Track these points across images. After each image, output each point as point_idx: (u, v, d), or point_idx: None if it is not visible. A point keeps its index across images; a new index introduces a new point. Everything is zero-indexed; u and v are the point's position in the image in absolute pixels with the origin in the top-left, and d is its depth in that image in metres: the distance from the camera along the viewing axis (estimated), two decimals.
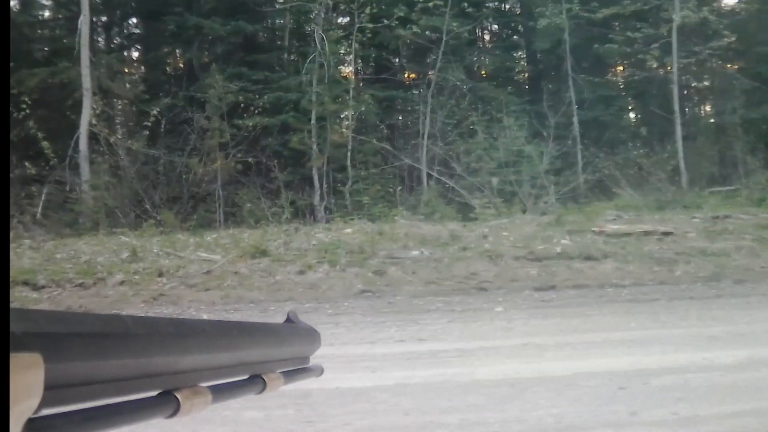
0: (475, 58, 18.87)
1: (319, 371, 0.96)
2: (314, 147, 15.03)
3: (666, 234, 11.15)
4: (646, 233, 11.15)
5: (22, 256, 10.64)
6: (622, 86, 18.70)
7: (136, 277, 9.62)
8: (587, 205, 13.98)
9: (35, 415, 0.41)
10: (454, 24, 16.15)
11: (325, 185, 15.04)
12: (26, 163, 13.47)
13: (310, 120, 15.10)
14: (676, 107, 16.78)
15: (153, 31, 16.98)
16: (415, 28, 15.81)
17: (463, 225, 11.84)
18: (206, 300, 8.48)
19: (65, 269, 9.86)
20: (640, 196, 14.27)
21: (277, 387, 0.78)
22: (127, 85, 14.51)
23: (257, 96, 15.10)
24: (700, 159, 16.97)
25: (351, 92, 15.30)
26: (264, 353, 0.79)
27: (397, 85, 16.88)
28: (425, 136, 15.58)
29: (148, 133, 13.96)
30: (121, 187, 13.52)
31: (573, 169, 15.87)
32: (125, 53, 15.68)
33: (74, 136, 13.82)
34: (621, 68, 19.00)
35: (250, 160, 14.56)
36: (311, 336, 0.94)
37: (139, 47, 16.52)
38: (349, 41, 15.36)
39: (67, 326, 0.44)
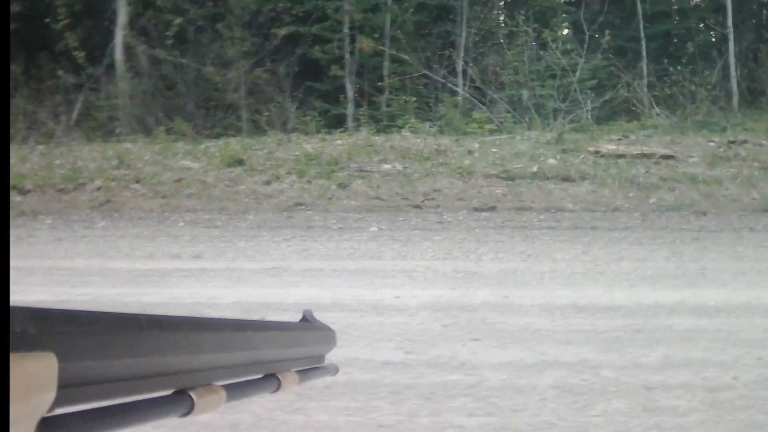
0: None
1: (334, 370, 0.96)
2: (346, 56, 14.86)
3: (665, 157, 10.34)
4: (644, 155, 10.38)
5: (27, 162, 11.22)
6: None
7: (113, 183, 9.99)
8: (614, 123, 13.06)
9: (49, 414, 0.40)
10: None
11: (354, 95, 14.90)
12: (59, 73, 13.96)
13: (342, 29, 14.90)
14: (730, 21, 15.40)
15: None
16: None
17: (455, 140, 11.42)
18: (146, 207, 8.71)
19: (54, 175, 10.34)
20: (674, 116, 13.17)
21: (291, 386, 0.78)
22: None
23: (291, 4, 14.94)
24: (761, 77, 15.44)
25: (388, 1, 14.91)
26: (279, 352, 0.79)
27: None
28: (461, 47, 15.03)
29: (171, 42, 14.13)
30: (145, 95, 13.91)
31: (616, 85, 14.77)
32: None
33: (109, 45, 14.30)
34: None
35: (280, 69, 14.58)
36: (326, 335, 0.94)
37: None
38: None
39: (81, 325, 0.44)
